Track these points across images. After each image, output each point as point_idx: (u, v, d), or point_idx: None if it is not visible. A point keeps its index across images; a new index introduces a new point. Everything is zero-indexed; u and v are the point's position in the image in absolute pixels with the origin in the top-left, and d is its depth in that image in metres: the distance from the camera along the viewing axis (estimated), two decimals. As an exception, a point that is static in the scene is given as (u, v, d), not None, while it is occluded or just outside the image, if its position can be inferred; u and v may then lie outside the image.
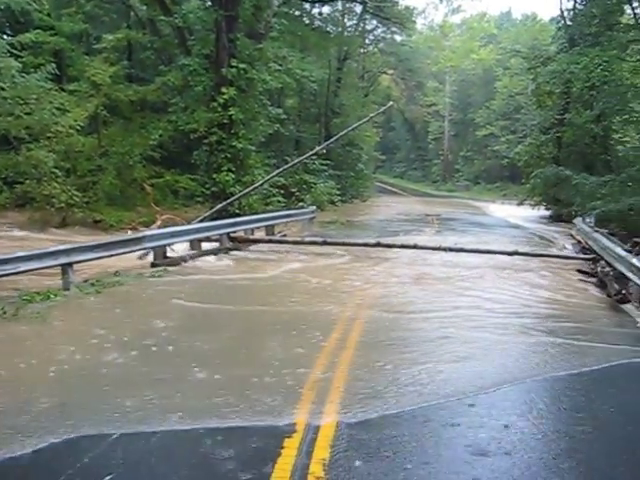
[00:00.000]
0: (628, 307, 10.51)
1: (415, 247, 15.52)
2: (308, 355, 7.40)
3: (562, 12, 35.41)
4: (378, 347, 7.84)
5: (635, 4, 27.53)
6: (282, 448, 4.98)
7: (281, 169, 22.38)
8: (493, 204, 45.29)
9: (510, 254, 15.07)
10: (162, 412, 5.73)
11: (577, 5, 34.00)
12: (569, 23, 34.70)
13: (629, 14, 28.81)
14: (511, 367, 7.27)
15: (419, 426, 5.48)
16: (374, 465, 4.74)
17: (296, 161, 22.65)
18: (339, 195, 34.67)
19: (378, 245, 15.55)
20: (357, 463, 4.78)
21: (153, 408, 5.84)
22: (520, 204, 36.64)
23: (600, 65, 28.35)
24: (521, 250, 15.70)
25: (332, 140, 25.31)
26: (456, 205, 42.86)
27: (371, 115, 25.76)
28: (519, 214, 34.81)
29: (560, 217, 30.17)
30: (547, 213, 34.13)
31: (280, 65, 26.68)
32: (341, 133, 25.16)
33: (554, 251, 17.78)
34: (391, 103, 30.25)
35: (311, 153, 23.26)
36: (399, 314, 9.69)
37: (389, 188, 61.61)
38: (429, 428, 5.46)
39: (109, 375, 6.76)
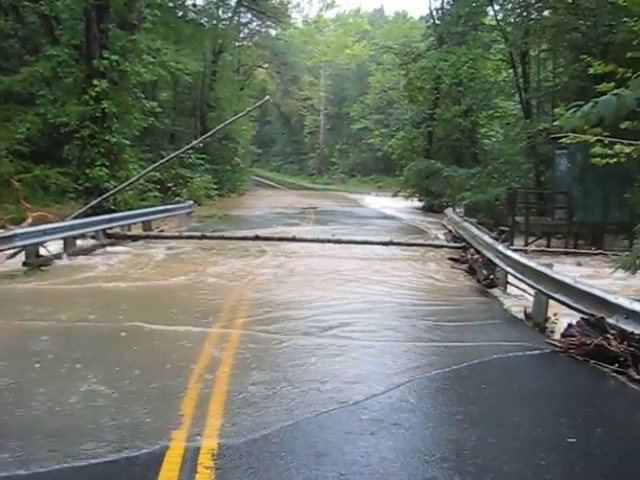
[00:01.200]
0: (495, 291, 11.14)
1: (293, 239, 15.73)
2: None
3: (431, 11, 36.87)
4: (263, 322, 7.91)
5: (497, 7, 28.92)
6: None
7: (157, 164, 21.99)
8: (369, 196, 46.24)
9: (385, 244, 15.56)
10: None
11: (445, 5, 35.36)
12: (437, 22, 36.05)
13: (492, 15, 30.24)
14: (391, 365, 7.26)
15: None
16: None
17: (172, 156, 22.34)
18: (216, 189, 34.45)
19: (257, 238, 15.64)
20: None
21: None
22: (394, 196, 37.71)
23: (466, 63, 29.65)
24: (396, 240, 16.23)
25: (208, 134, 25.13)
26: (332, 198, 43.55)
27: (248, 109, 25.80)
28: (394, 205, 35.72)
29: (432, 208, 31.30)
30: (420, 204, 35.27)
31: (154, 57, 26.13)
32: (217, 127, 25.08)
33: (427, 241, 18.46)
34: (267, 97, 30.33)
35: (187, 147, 23.00)
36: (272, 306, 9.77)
37: (266, 182, 61.69)
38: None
39: None
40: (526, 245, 18.34)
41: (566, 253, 16.83)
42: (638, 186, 20.87)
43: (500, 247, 11.18)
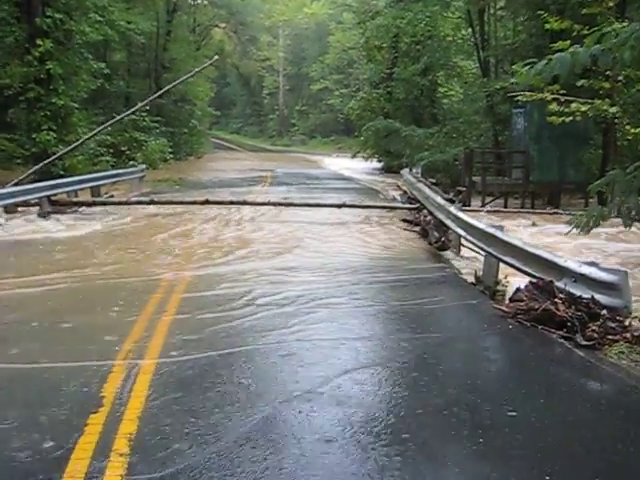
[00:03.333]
0: (448, 253, 10.91)
1: (245, 203, 15.32)
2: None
3: (388, -32, 35.96)
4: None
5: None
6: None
7: (103, 126, 21.18)
8: (329, 157, 45.85)
9: (339, 206, 15.23)
10: None
11: (401, -40, 34.58)
12: (395, -22, 35.30)
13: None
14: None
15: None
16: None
17: (119, 117, 21.48)
18: (172, 153, 33.70)
19: (207, 203, 15.17)
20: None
21: None
22: (354, 157, 37.38)
23: (424, 20, 29.13)
24: (350, 202, 15.90)
25: (157, 95, 24.25)
26: (292, 160, 43.05)
27: (196, 69, 24.95)
28: (353, 167, 35.46)
29: (391, 168, 31.08)
30: (379, 165, 35.07)
31: (102, 16, 25.19)
32: (166, 87, 24.33)
33: (382, 202, 18.14)
34: (217, 57, 29.62)
35: (135, 109, 22.13)
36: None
37: (226, 144, 60.95)
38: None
39: None
40: (483, 205, 18.20)
41: (522, 213, 16.68)
42: (594, 145, 20.86)
43: (451, 208, 10.91)
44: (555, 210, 16.94)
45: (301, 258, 10.53)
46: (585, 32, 10.22)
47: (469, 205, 18.18)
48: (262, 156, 46.22)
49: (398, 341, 6.25)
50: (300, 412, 4.55)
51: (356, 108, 37.97)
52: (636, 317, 6.15)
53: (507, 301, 7.23)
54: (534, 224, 14.79)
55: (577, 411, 4.79)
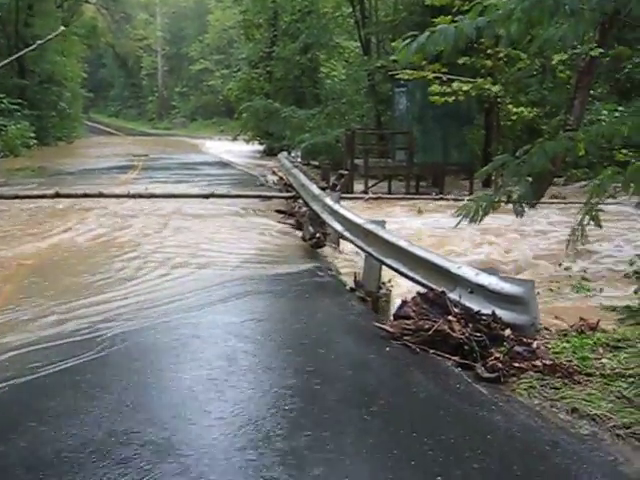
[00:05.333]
0: (327, 250, 9.61)
1: (100, 196, 13.49)
2: None
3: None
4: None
5: None
6: None
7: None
8: (210, 140, 44.09)
9: (206, 197, 13.70)
10: None
11: None
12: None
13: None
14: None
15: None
16: None
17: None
18: (37, 138, 30.99)
19: (57, 196, 13.29)
20: None
21: None
22: (234, 140, 35.99)
23: (302, -5, 27.94)
24: (221, 191, 14.41)
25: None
26: (170, 144, 40.82)
27: (39, 42, 22.68)
28: (235, 150, 34.03)
29: (273, 151, 29.78)
30: (261, 148, 33.73)
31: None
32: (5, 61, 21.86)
33: (255, 191, 16.56)
34: (62, 28, 27.45)
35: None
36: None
37: (104, 128, 58.11)
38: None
39: None
40: (366, 190, 17.19)
41: (406, 198, 15.74)
42: (477, 125, 20.36)
43: (327, 199, 9.58)
44: (441, 195, 16.11)
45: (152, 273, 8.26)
46: (466, 8, 9.40)
47: (351, 190, 17.14)
48: (140, 140, 43.70)
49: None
50: None
51: (235, 89, 36.39)
52: (544, 338, 5.06)
53: (391, 317, 5.91)
54: (420, 211, 13.82)
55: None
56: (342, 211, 8.62)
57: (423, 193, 17.56)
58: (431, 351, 5.12)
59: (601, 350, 5.45)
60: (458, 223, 8.36)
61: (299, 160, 20.75)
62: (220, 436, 3.88)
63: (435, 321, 5.19)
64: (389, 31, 24.64)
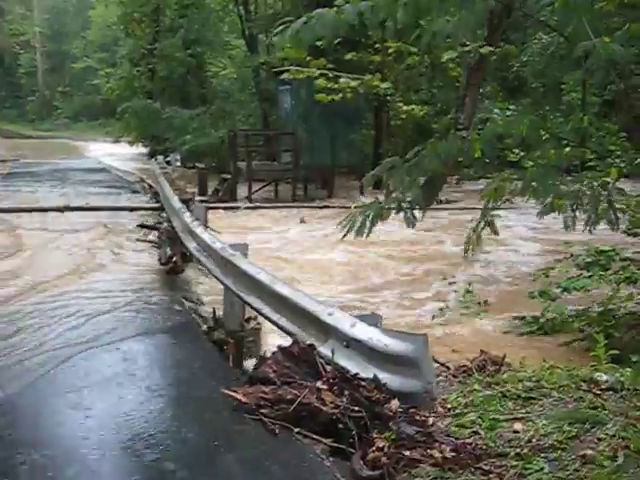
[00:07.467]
0: (191, 274, 8.15)
1: None
2: None
3: None
4: None
5: None
6: None
7: None
8: (95, 143, 42.01)
9: (61, 210, 12.04)
10: None
11: None
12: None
13: None
14: None
15: None
16: None
17: None
18: None
19: None
20: None
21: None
22: (116, 142, 34.04)
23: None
24: (75, 204, 12.73)
25: None
26: (49, 147, 38.20)
27: None
28: (118, 152, 32.38)
29: (157, 154, 28.11)
30: (146, 150, 31.91)
31: None
32: None
33: (119, 203, 14.71)
34: None
35: None
36: None
37: (-23, 131, 54.14)
38: None
39: None
40: (249, 195, 15.91)
41: (290, 207, 14.59)
42: (367, 125, 19.55)
43: (186, 215, 8.11)
44: (325, 204, 15.01)
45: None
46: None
47: (235, 196, 15.82)
48: (15, 144, 40.65)
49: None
50: None
51: (115, 88, 34.36)
52: (441, 411, 3.86)
53: (247, 380, 4.51)
54: (302, 221, 12.63)
55: None
56: (198, 230, 7.16)
57: (311, 198, 16.49)
58: (296, 430, 3.81)
59: (511, 405, 4.41)
60: (344, 236, 7.30)
61: (178, 165, 19.25)
62: None
63: (301, 388, 3.89)
64: (273, 25, 23.49)
